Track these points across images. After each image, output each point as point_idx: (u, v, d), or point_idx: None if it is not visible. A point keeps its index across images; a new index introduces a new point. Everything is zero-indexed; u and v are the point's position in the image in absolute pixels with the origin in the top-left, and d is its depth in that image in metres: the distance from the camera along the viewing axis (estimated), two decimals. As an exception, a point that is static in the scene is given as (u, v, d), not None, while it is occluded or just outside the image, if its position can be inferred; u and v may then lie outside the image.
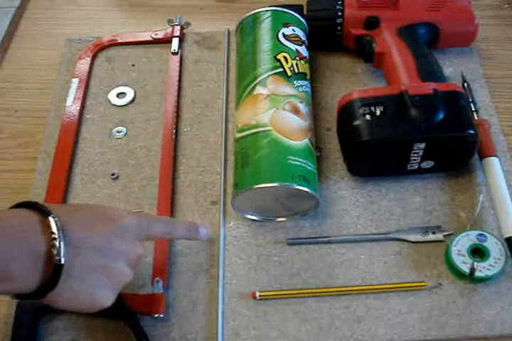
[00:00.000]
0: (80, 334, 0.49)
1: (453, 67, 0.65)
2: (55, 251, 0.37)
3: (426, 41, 0.62)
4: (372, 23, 0.62)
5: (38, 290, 0.38)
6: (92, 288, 0.40)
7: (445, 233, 0.53)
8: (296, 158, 0.51)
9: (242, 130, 0.55)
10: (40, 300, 0.38)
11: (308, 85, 0.59)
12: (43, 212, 0.38)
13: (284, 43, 0.59)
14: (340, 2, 0.63)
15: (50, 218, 0.38)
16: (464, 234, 0.51)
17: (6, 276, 0.36)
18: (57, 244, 0.37)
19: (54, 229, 0.37)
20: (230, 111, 0.63)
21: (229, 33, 0.71)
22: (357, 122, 0.52)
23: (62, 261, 0.37)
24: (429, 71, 0.58)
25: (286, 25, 0.61)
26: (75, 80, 0.66)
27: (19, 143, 0.63)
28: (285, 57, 0.58)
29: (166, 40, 0.70)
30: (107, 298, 0.42)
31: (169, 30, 0.71)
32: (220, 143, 0.61)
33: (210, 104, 0.64)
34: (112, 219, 0.42)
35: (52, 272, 0.37)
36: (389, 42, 0.61)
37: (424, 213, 0.55)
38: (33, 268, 0.37)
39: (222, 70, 0.67)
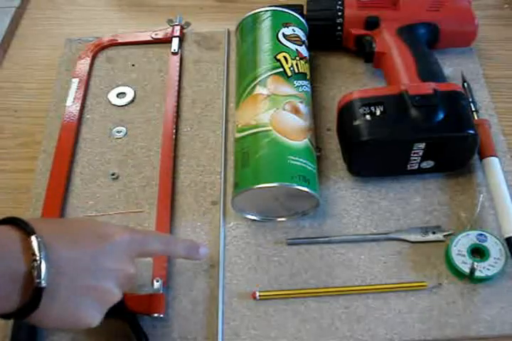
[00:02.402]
0: (80, 335, 0.49)
1: (453, 67, 0.65)
2: (35, 273, 0.35)
3: (426, 41, 0.62)
4: (372, 23, 0.62)
5: (19, 311, 0.36)
6: (78, 308, 0.39)
7: (445, 233, 0.53)
8: (296, 158, 0.51)
9: (242, 130, 0.55)
10: (23, 320, 0.37)
11: (308, 85, 0.59)
12: (26, 230, 0.36)
13: (284, 43, 0.59)
14: (340, 2, 0.63)
15: (33, 237, 0.36)
16: (464, 234, 0.51)
17: None
18: (37, 265, 0.35)
19: (36, 249, 0.35)
20: (230, 111, 0.63)
21: (229, 33, 0.71)
22: (357, 122, 0.52)
23: (43, 284, 0.35)
24: (429, 71, 0.58)
25: (286, 25, 0.61)
26: (75, 80, 0.66)
27: (19, 143, 0.63)
28: (285, 57, 0.58)
29: (166, 40, 0.70)
30: (93, 318, 0.40)
31: (169, 30, 0.71)
32: (220, 143, 0.61)
33: (210, 104, 0.64)
34: (102, 236, 0.40)
35: (33, 294, 0.35)
36: (389, 42, 0.61)
37: (424, 213, 0.55)
38: (11, 289, 0.35)
39: (222, 70, 0.67)
